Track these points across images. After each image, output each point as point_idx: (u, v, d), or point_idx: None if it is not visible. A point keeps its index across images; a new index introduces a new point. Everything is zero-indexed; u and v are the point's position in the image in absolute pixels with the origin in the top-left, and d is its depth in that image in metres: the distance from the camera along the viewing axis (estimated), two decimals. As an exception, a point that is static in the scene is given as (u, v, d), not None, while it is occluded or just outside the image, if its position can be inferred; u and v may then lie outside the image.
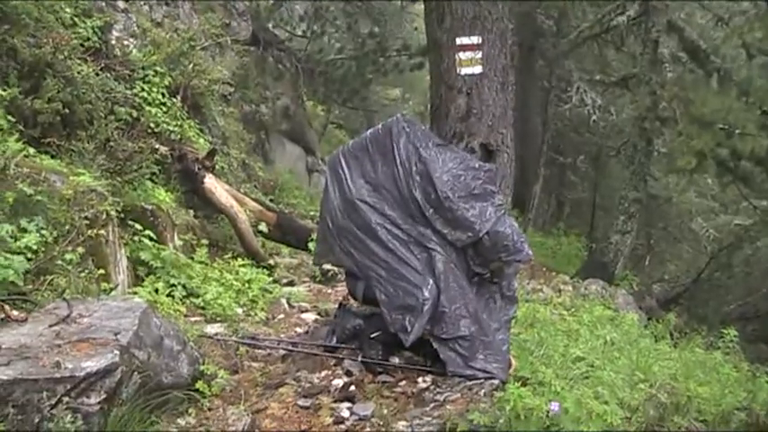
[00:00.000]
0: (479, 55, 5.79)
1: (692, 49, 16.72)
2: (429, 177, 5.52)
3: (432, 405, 4.97)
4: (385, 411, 4.97)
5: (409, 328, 5.35)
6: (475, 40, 5.79)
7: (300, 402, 5.18)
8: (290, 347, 6.27)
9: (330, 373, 5.70)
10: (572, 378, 5.51)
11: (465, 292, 5.48)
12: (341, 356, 5.86)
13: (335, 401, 5.16)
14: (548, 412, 4.39)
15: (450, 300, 5.42)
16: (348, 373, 5.63)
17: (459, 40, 5.81)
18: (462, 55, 5.80)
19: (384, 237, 5.58)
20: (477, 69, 5.80)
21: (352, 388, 5.35)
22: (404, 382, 5.48)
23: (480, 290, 5.60)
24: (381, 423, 4.84)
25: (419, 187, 5.53)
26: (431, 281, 5.42)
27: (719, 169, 15.27)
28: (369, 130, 6.06)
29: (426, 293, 5.37)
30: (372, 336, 5.78)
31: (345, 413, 5.00)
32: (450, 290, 5.42)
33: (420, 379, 5.50)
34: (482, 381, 5.24)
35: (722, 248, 19.24)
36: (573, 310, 9.87)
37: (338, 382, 5.47)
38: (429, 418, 4.72)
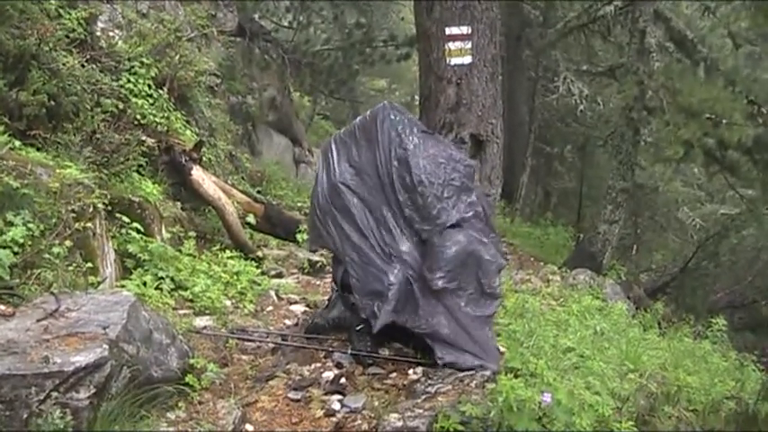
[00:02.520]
0: (469, 45, 5.77)
1: (678, 38, 16.74)
2: (407, 162, 5.53)
3: (423, 397, 4.95)
4: (376, 403, 4.97)
5: (377, 314, 5.34)
6: (464, 30, 5.76)
7: (291, 395, 5.17)
8: (279, 340, 6.26)
9: (320, 365, 5.70)
10: (563, 369, 5.51)
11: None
12: (331, 349, 5.85)
13: (326, 394, 5.16)
14: (540, 403, 4.38)
15: (423, 292, 5.41)
16: (338, 366, 5.63)
17: (448, 30, 5.79)
18: (452, 45, 5.78)
19: (360, 220, 5.61)
20: (467, 59, 5.78)
21: (343, 380, 5.35)
22: (394, 374, 5.48)
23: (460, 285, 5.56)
24: (372, 415, 4.83)
25: (396, 172, 5.54)
26: (398, 266, 5.42)
27: (706, 159, 15.29)
28: (359, 117, 6.07)
29: (392, 278, 5.38)
30: (358, 327, 5.77)
31: (336, 405, 5.00)
32: (421, 281, 5.43)
33: (411, 371, 5.50)
34: (473, 372, 5.24)
35: (709, 237, 19.28)
36: (562, 300, 9.89)
37: (328, 375, 5.47)
38: (420, 410, 4.71)
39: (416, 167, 5.50)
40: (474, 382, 5.11)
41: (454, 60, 5.81)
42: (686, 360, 7.08)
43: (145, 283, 6.76)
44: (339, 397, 5.11)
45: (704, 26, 17.67)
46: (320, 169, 6.00)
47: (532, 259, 16.61)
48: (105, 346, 4.14)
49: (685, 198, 22.33)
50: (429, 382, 5.21)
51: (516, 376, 4.77)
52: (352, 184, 5.71)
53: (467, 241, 5.54)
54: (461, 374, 5.24)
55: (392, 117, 5.69)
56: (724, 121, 14.05)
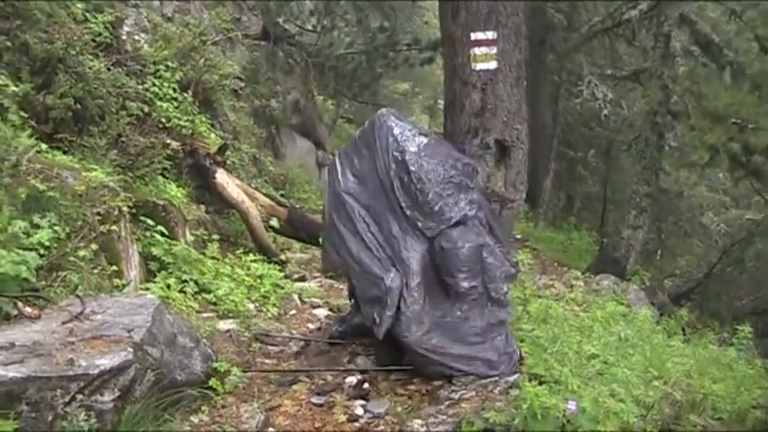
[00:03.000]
0: (494, 50, 5.76)
1: (704, 42, 16.63)
2: (404, 163, 5.52)
3: (446, 403, 4.94)
4: (399, 409, 4.96)
5: (377, 321, 5.33)
6: (490, 35, 5.75)
7: (314, 400, 5.17)
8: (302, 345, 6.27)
9: (344, 368, 5.69)
10: (587, 376, 5.48)
11: (433, 295, 5.45)
12: (354, 353, 5.85)
13: (349, 399, 5.16)
14: (564, 411, 4.35)
15: (429, 295, 5.39)
16: (362, 371, 5.61)
17: (473, 36, 5.77)
18: (477, 50, 5.76)
19: (361, 228, 5.60)
20: (492, 65, 5.77)
21: (366, 385, 5.35)
22: (417, 380, 5.46)
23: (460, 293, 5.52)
24: (396, 421, 4.83)
25: (395, 174, 5.52)
26: (393, 270, 5.37)
27: (731, 163, 15.19)
28: (361, 128, 6.10)
29: (389, 282, 5.33)
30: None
31: (359, 411, 5.00)
32: (417, 290, 5.39)
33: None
34: (497, 379, 5.22)
35: (734, 243, 19.14)
36: (585, 305, 9.83)
37: (352, 380, 5.47)
38: (444, 417, 4.70)
39: (413, 166, 5.49)
40: (498, 388, 5.10)
41: (479, 65, 5.79)
42: (711, 367, 7.03)
43: (169, 286, 6.78)
44: (362, 402, 5.11)
45: (730, 30, 17.56)
46: (327, 186, 6.04)
47: (556, 264, 16.55)
48: (130, 350, 4.15)
49: (710, 203, 22.20)
50: (452, 388, 5.20)
51: (540, 383, 4.75)
52: (355, 193, 5.71)
53: (476, 238, 5.52)
54: (485, 381, 5.22)
55: (389, 123, 5.70)
56: (750, 125, 13.95)
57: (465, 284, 5.37)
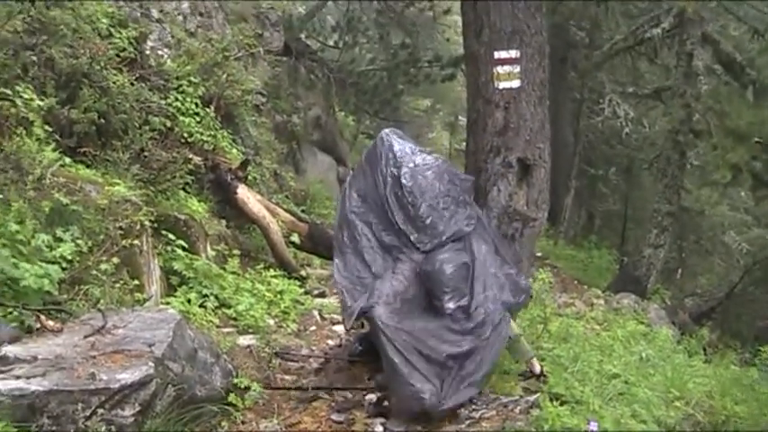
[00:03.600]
0: (517, 69, 5.75)
1: (727, 61, 16.57)
2: (398, 178, 5.53)
3: (467, 422, 4.92)
4: (419, 428, 4.93)
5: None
6: (513, 53, 5.74)
7: (334, 417, 5.15)
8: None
9: (364, 387, 5.67)
10: (608, 396, 5.45)
11: (415, 313, 5.37)
12: (374, 370, 5.82)
13: (369, 417, 5.13)
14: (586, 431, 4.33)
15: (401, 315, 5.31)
16: (381, 388, 5.58)
17: (497, 54, 5.77)
18: (500, 69, 5.76)
19: (363, 246, 5.59)
20: (515, 83, 5.76)
21: (386, 403, 5.31)
22: (438, 398, 5.43)
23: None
24: (416, 439, 4.80)
25: (391, 190, 5.54)
26: (365, 291, 5.37)
27: (754, 182, 15.11)
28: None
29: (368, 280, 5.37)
30: None
31: (379, 428, 4.98)
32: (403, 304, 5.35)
33: (455, 395, 5.44)
34: (517, 398, 5.19)
35: (756, 262, 19.00)
36: (606, 324, 9.80)
37: (372, 397, 5.44)
38: (464, 436, 4.68)
39: (407, 180, 5.50)
40: (518, 407, 5.07)
41: (502, 84, 5.79)
42: (733, 388, 6.96)
43: (189, 301, 6.80)
44: (382, 420, 5.08)
45: (753, 49, 17.48)
46: (338, 208, 6.09)
47: (576, 282, 16.49)
48: (151, 364, 4.16)
49: (732, 222, 22.07)
50: (473, 407, 5.17)
51: (561, 403, 4.72)
52: (357, 211, 5.72)
53: (458, 257, 5.48)
54: (505, 400, 5.19)
55: (390, 140, 5.76)
56: (773, 145, 13.89)
57: (451, 305, 5.30)
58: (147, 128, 7.99)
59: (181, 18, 13.02)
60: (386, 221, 5.56)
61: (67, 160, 6.57)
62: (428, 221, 5.44)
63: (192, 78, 9.68)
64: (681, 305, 16.86)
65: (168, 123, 8.50)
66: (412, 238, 5.46)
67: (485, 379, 5.25)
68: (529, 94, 5.81)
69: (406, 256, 5.46)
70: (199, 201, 8.73)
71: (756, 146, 14.03)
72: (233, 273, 7.93)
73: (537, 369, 5.82)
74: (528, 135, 5.82)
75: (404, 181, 5.51)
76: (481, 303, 5.37)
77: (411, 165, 5.60)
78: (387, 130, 5.96)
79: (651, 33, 16.96)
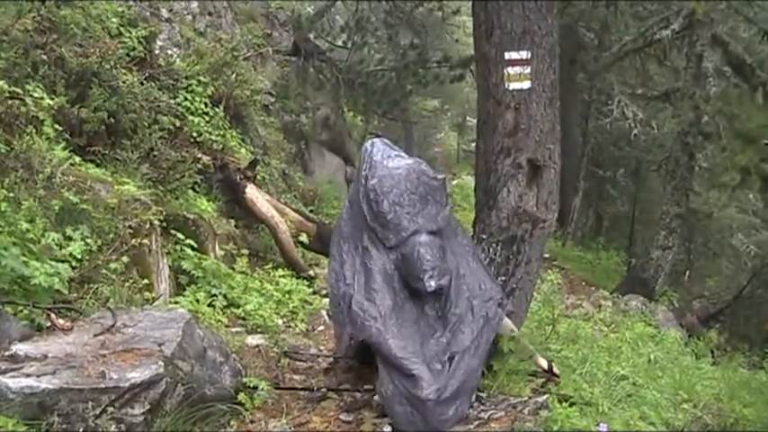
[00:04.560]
0: (528, 70, 5.73)
1: (736, 63, 16.53)
2: (366, 178, 5.52)
3: (476, 423, 4.90)
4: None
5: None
6: (524, 54, 5.72)
7: (342, 417, 5.14)
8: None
9: (372, 387, 5.66)
10: (616, 397, 5.45)
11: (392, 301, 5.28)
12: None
13: (378, 417, 5.12)
14: (595, 433, 4.32)
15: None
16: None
17: (507, 55, 5.74)
18: (511, 70, 5.73)
19: (344, 252, 5.53)
20: (526, 84, 5.74)
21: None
22: (446, 399, 5.42)
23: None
24: (424, 440, 4.79)
25: (363, 192, 5.51)
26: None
27: (763, 185, 15.07)
28: None
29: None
30: None
31: (387, 428, 4.95)
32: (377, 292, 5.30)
33: (463, 395, 5.43)
34: (526, 399, 5.18)
35: (764, 265, 18.98)
36: (614, 326, 9.80)
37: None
38: (473, 436, 4.67)
39: (371, 179, 5.48)
40: (527, 408, 5.05)
41: (513, 85, 5.76)
42: (742, 391, 6.96)
43: (198, 300, 6.80)
44: (390, 420, 5.07)
45: (763, 50, 17.45)
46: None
47: (584, 284, 16.49)
48: (161, 363, 4.16)
49: (740, 224, 22.02)
50: (482, 408, 5.16)
51: (570, 404, 4.71)
52: (345, 218, 5.70)
53: (435, 240, 5.41)
54: (514, 401, 5.18)
55: (371, 148, 5.74)
56: (782, 147, 13.85)
57: (432, 283, 5.16)
58: (156, 127, 8.01)
59: (190, 17, 13.07)
60: (362, 222, 5.55)
61: (77, 159, 6.59)
62: (390, 217, 5.39)
63: (201, 78, 9.71)
64: (689, 307, 16.86)
65: (177, 123, 8.52)
66: (378, 234, 5.44)
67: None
68: (539, 95, 5.78)
69: (376, 253, 5.43)
70: (208, 200, 8.76)
71: (766, 148, 13.99)
72: (241, 272, 7.93)
73: (544, 364, 5.79)
74: (538, 136, 5.80)
75: (371, 181, 5.50)
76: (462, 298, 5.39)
77: (383, 167, 5.58)
78: (374, 139, 5.96)
79: (660, 35, 16.93)
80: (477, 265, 5.63)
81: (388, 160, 5.63)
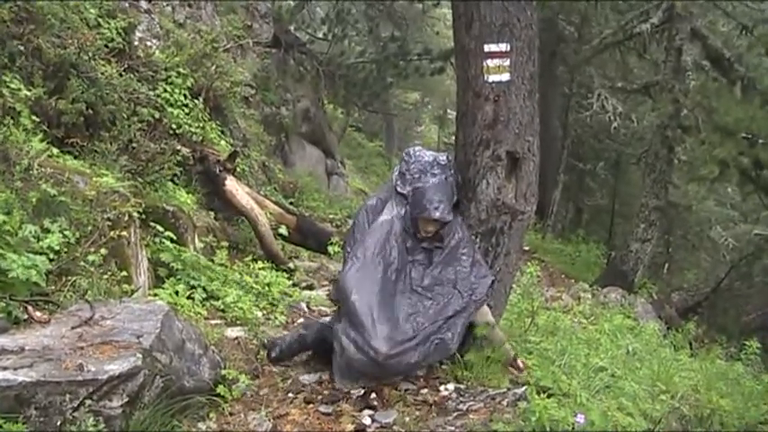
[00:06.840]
0: (507, 62, 5.73)
1: (715, 57, 16.66)
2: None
3: (454, 414, 4.93)
4: (407, 419, 4.94)
5: None
6: (503, 47, 5.72)
7: (322, 409, 5.14)
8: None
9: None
10: (595, 389, 5.48)
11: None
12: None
13: (357, 409, 5.13)
14: (573, 424, 4.33)
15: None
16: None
17: (487, 47, 5.74)
18: (490, 62, 5.74)
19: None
20: (505, 77, 5.74)
21: (374, 395, 5.32)
22: (426, 390, 5.44)
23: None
24: (403, 431, 4.81)
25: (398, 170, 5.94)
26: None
27: (741, 178, 15.17)
28: None
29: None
30: None
31: (367, 420, 4.97)
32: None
33: (442, 387, 5.45)
34: (505, 391, 5.21)
35: (742, 258, 19.16)
36: (593, 318, 9.85)
37: (359, 389, 5.44)
38: (452, 428, 4.69)
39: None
40: (506, 400, 5.08)
41: (492, 77, 5.76)
42: (719, 382, 7.01)
43: (177, 293, 6.77)
44: (370, 412, 5.08)
45: (741, 45, 17.57)
46: None
47: (563, 276, 16.57)
48: (139, 356, 4.14)
49: (719, 217, 22.20)
50: (460, 399, 5.18)
51: (549, 396, 4.73)
52: (369, 208, 6.03)
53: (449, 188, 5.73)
54: (493, 392, 5.21)
55: (410, 151, 6.03)
56: (760, 140, 13.93)
57: (436, 214, 5.45)
58: (135, 119, 7.96)
59: (169, 9, 12.99)
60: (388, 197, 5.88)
61: (55, 151, 6.53)
62: (413, 171, 5.75)
63: (180, 70, 9.65)
64: (667, 300, 16.97)
65: (157, 115, 8.46)
66: (398, 188, 5.74)
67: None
68: (519, 87, 5.79)
69: (390, 205, 5.74)
70: (187, 192, 8.72)
71: (744, 142, 14.07)
72: (221, 265, 7.91)
73: (510, 355, 5.89)
74: (517, 128, 5.81)
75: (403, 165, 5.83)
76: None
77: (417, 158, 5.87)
78: (417, 146, 6.21)
79: (640, 28, 17.02)
80: (473, 251, 5.71)
81: (421, 152, 5.91)
